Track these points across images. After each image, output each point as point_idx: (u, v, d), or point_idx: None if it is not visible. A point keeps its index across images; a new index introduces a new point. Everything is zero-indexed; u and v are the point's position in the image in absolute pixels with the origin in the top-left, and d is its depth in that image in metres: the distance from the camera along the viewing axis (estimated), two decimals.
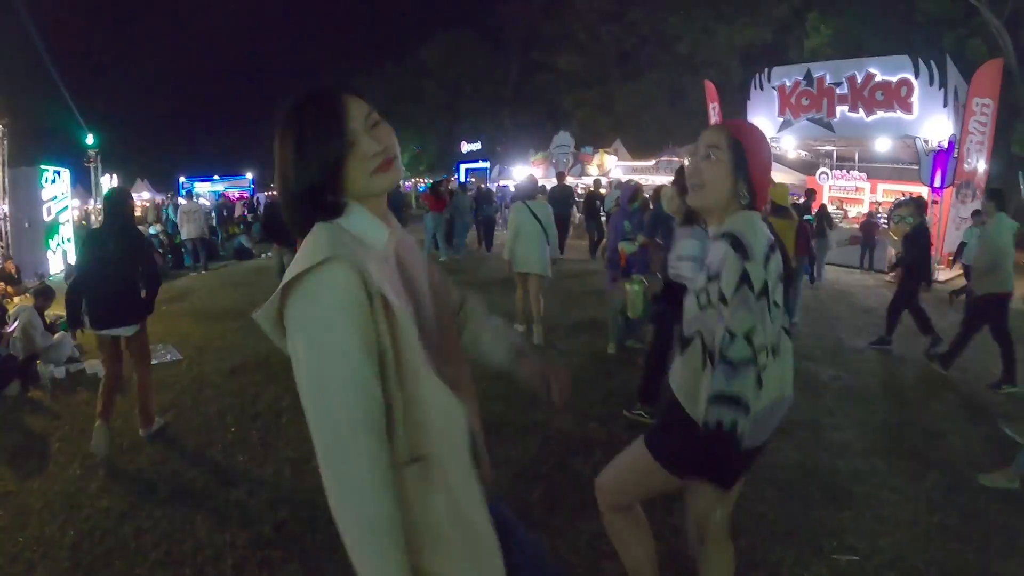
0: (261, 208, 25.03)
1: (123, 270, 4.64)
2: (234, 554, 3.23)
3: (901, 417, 5.28)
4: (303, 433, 4.27)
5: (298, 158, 1.31)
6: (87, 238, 5.27)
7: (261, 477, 4.09)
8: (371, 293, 1.23)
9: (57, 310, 8.13)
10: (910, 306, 7.54)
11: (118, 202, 4.87)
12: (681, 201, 4.35)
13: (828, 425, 4.99)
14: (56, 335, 7.05)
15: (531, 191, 7.87)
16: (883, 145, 15.14)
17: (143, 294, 4.75)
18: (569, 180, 23.85)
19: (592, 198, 16.72)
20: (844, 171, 17.96)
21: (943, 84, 13.61)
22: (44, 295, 7.56)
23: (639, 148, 26.47)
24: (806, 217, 11.21)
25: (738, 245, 1.90)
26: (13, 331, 6.61)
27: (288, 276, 1.23)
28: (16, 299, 9.37)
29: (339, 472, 1.21)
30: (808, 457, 4.39)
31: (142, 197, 33.23)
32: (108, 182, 18.91)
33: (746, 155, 1.99)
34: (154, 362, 6.54)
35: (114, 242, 4.62)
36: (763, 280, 1.86)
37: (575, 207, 18.79)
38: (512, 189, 22.73)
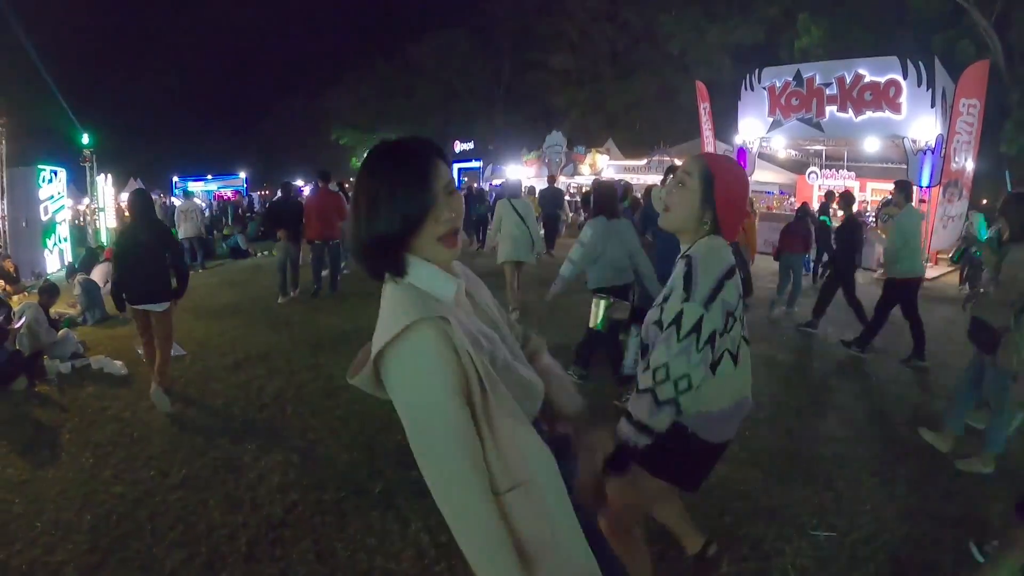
0: (255, 207, 25.17)
1: (154, 257, 5.50)
2: (247, 534, 3.40)
3: (883, 407, 5.48)
4: (308, 423, 4.51)
5: (380, 207, 1.41)
6: (122, 233, 6.30)
7: (270, 464, 4.25)
8: (456, 348, 1.36)
9: (60, 308, 8.28)
10: (848, 297, 8.07)
11: (144, 202, 5.77)
12: None
13: (811, 414, 5.20)
14: (60, 332, 7.19)
15: (515, 190, 8.92)
16: (872, 145, 15.37)
17: (174, 283, 5.58)
18: (562, 179, 24.04)
19: (588, 198, 16.73)
20: (833, 170, 18.18)
21: (931, 85, 13.83)
22: (49, 292, 7.70)
23: (631, 147, 26.70)
24: (821, 218, 11.47)
25: (688, 278, 2.07)
26: (20, 328, 6.74)
27: (379, 343, 1.37)
28: (15, 297, 9.47)
29: (454, 505, 1.39)
30: (791, 443, 4.58)
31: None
32: (103, 182, 18.94)
33: (714, 188, 2.15)
34: None
35: (145, 235, 5.53)
36: (695, 319, 2.03)
37: (565, 207, 19.00)
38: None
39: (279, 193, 10.74)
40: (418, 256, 1.46)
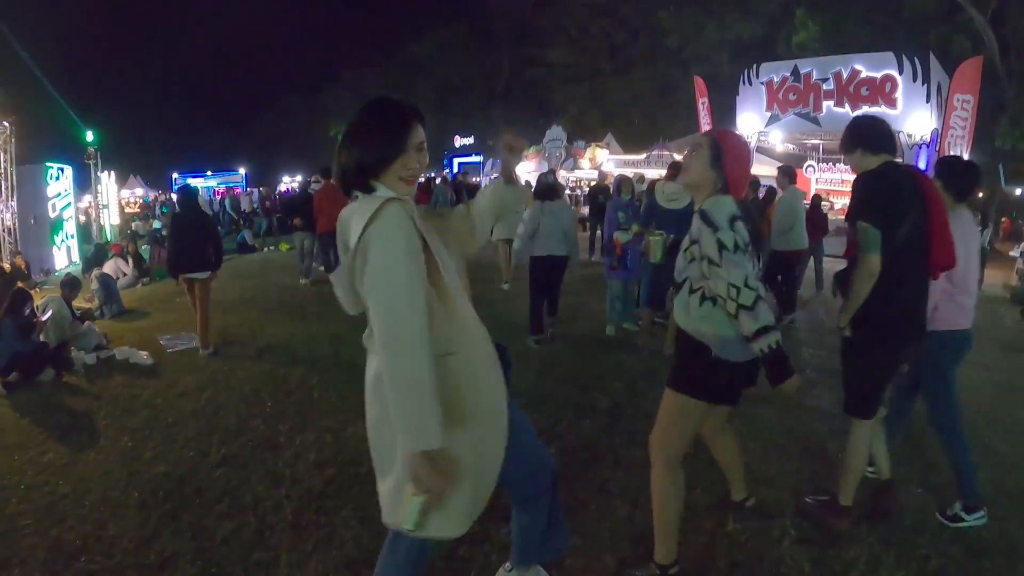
0: (256, 204, 25.32)
1: (197, 237, 7.08)
2: (291, 505, 3.65)
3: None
4: (337, 406, 4.78)
5: (364, 144, 1.98)
6: (173, 220, 7.71)
7: (304, 443, 4.49)
8: (415, 223, 1.87)
9: (77, 302, 8.50)
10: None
11: (189, 197, 7.72)
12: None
13: (807, 395, 5.46)
14: (84, 324, 7.43)
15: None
16: None
17: (212, 257, 7.11)
18: (562, 174, 24.23)
19: (596, 192, 15.70)
20: (830, 164, 18.43)
21: (926, 80, 14.11)
22: (71, 286, 7.94)
23: (630, 142, 26.89)
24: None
25: (707, 220, 2.59)
26: (46, 320, 6.97)
27: (359, 227, 1.83)
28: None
29: (398, 347, 1.77)
30: (788, 420, 4.87)
31: (135, 193, 33.44)
32: (107, 179, 19.15)
33: (722, 153, 2.67)
34: (181, 347, 7.01)
35: (190, 220, 7.23)
36: (733, 239, 2.52)
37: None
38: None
39: (280, 188, 11.30)
40: (384, 185, 1.98)
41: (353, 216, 1.90)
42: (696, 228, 2.64)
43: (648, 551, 2.93)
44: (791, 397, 2.59)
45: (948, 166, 3.72)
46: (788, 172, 8.47)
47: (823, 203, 12.35)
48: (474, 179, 22.97)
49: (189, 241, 7.07)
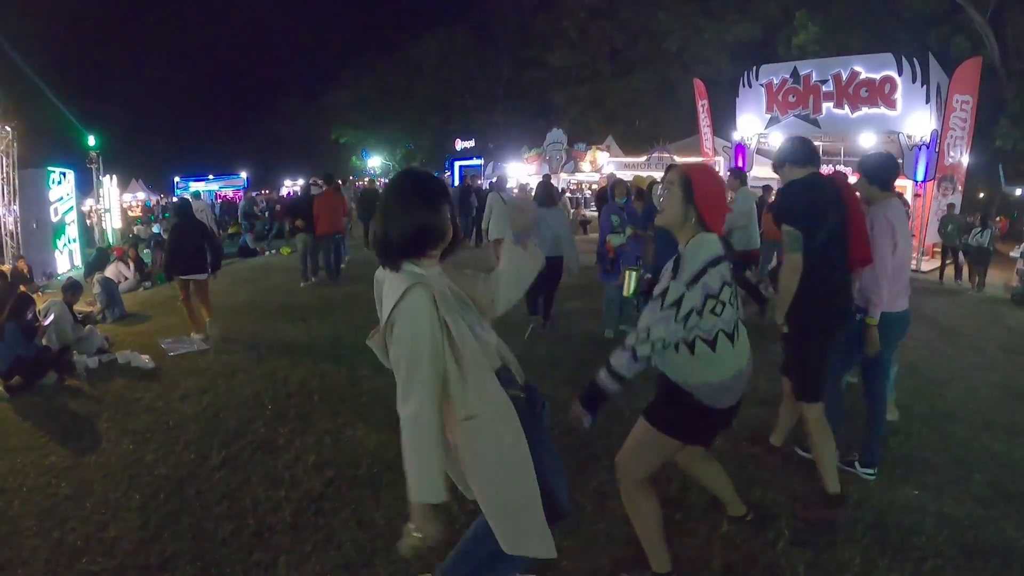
0: (261, 206, 25.36)
1: (194, 243, 7.85)
2: (290, 507, 3.68)
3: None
4: (336, 409, 4.81)
5: (402, 227, 2.11)
6: (171, 228, 8.38)
7: (304, 445, 4.53)
8: (436, 302, 2.03)
9: (79, 307, 8.55)
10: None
11: (185, 207, 8.53)
12: None
13: None
14: (86, 328, 7.47)
15: (502, 185, 11.79)
16: (868, 140, 15.60)
17: (209, 259, 7.90)
18: (563, 176, 24.27)
19: (604, 195, 16.19)
20: (831, 166, 18.41)
21: (925, 81, 14.10)
22: (72, 290, 7.98)
23: (631, 144, 26.97)
24: None
25: (677, 263, 2.57)
26: (48, 325, 7.01)
27: (388, 306, 2.04)
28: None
29: (413, 407, 2.00)
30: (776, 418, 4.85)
31: (137, 197, 33.53)
32: (109, 183, 19.20)
33: (693, 189, 2.61)
34: (183, 351, 7.03)
35: (185, 228, 7.98)
36: (678, 295, 2.49)
37: (565, 202, 19.29)
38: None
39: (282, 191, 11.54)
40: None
41: (385, 283, 2.15)
42: (668, 274, 2.59)
43: (643, 552, 2.96)
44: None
45: (867, 162, 4.13)
46: (739, 175, 8.93)
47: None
48: (478, 182, 22.92)
49: (185, 246, 7.86)
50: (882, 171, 3.99)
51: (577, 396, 2.80)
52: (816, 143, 13.66)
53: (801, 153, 3.67)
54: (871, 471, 4.03)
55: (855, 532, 3.39)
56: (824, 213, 3.44)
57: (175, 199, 7.97)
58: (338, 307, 9.11)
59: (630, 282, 3.55)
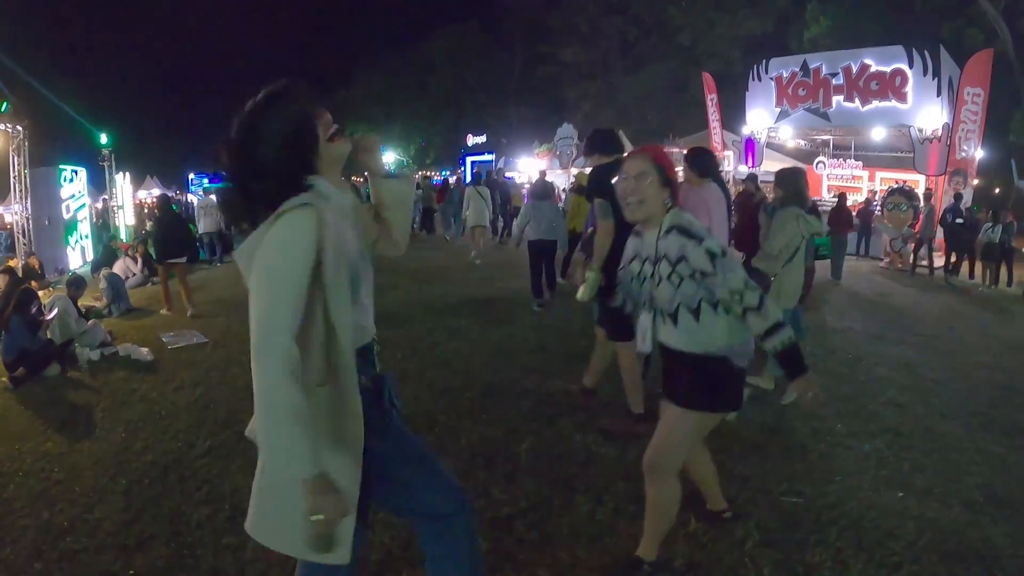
0: None
1: (175, 233, 9.73)
2: None
3: (867, 386, 5.69)
4: None
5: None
6: (157, 220, 10.52)
7: None
8: (323, 242, 1.73)
9: (86, 301, 8.70)
10: None
11: (166, 201, 10.67)
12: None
13: None
14: (89, 322, 7.59)
15: (477, 179, 15.28)
16: (878, 134, 15.54)
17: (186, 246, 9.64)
18: (573, 171, 24.19)
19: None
20: (841, 160, 18.32)
21: (937, 74, 13.98)
22: (75, 284, 8.12)
23: (642, 139, 26.76)
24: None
25: (688, 234, 2.56)
26: (52, 319, 7.14)
27: (276, 212, 1.73)
28: (41, 292, 9.91)
29: (265, 349, 1.64)
30: (772, 419, 4.84)
31: (152, 194, 33.83)
32: (122, 180, 19.42)
33: (668, 173, 2.67)
34: (182, 344, 7.15)
35: (168, 221, 9.90)
36: (719, 245, 2.55)
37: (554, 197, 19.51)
38: (516, 181, 23.79)
39: None
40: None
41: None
42: (677, 246, 2.57)
43: (605, 548, 3.01)
44: (810, 406, 2.59)
45: (689, 154, 5.20)
46: (700, 165, 8.89)
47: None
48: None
49: (169, 236, 9.52)
50: (700, 162, 5.02)
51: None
52: (826, 136, 13.83)
53: (608, 145, 4.85)
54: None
55: (829, 534, 3.32)
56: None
57: (158, 196, 9.07)
58: None
59: (591, 286, 3.43)
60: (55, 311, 7.28)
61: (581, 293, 4.02)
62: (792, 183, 5.33)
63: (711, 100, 19.57)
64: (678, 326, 2.66)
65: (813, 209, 5.48)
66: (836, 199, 13.11)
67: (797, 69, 16.21)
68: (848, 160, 18.10)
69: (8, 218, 16.98)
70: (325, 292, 1.78)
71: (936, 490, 3.82)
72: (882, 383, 5.82)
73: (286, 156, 1.82)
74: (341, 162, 2.00)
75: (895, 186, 15.27)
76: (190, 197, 29.03)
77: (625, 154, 3.86)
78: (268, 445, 1.74)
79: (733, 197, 8.93)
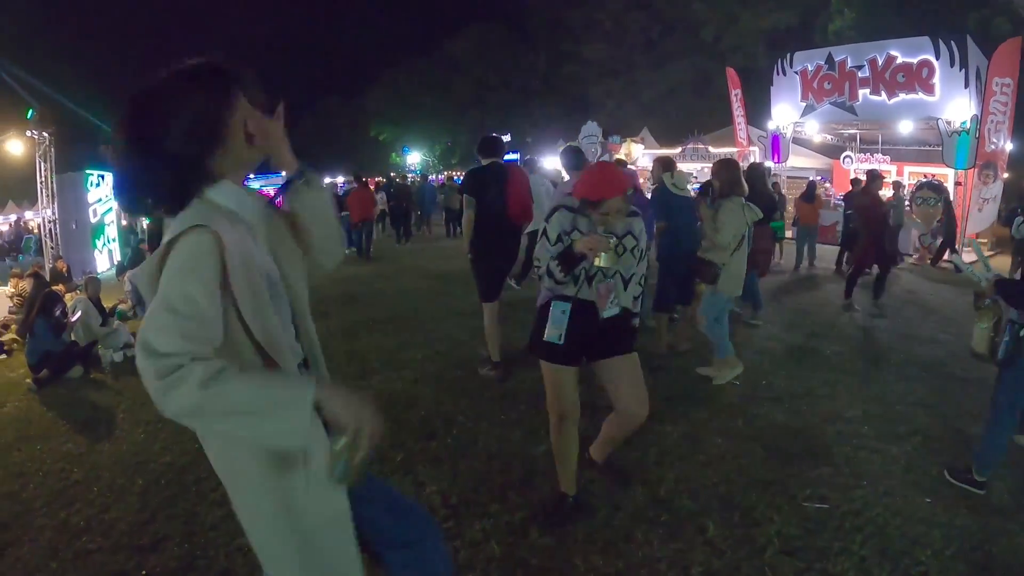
0: None
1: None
2: None
3: (895, 388, 5.51)
4: None
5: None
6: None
7: None
8: (225, 259, 1.49)
9: (109, 302, 8.79)
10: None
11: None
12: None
13: (822, 395, 5.30)
14: (114, 324, 7.66)
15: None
16: (906, 127, 15.22)
17: None
18: None
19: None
20: (868, 154, 17.99)
21: (964, 65, 13.64)
22: (91, 284, 8.21)
23: (666, 136, 26.56)
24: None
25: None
26: (75, 321, 7.23)
27: (168, 236, 1.49)
28: (67, 295, 10.03)
29: (177, 393, 1.38)
30: (797, 421, 4.74)
31: None
32: None
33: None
34: None
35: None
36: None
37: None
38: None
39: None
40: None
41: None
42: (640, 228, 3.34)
43: (620, 554, 3.00)
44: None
45: (562, 152, 6.51)
46: (668, 164, 8.53)
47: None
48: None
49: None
50: (565, 158, 6.31)
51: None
52: (852, 131, 13.56)
53: (487, 148, 5.76)
54: None
55: (853, 542, 3.22)
56: (487, 186, 5.56)
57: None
58: (358, 302, 9.19)
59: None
60: (78, 313, 7.37)
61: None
62: (728, 174, 5.50)
63: (735, 95, 19.32)
64: (627, 288, 3.31)
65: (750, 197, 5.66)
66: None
67: (822, 62, 15.90)
68: (875, 154, 17.77)
69: (36, 222, 17.26)
70: (246, 321, 1.55)
71: (965, 496, 3.69)
72: (911, 383, 5.65)
73: (175, 155, 1.55)
74: (254, 165, 1.76)
75: (923, 180, 14.94)
76: None
77: (499, 159, 5.80)
78: (256, 437, 1.50)
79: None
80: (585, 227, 3.17)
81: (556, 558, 3.12)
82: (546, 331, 3.22)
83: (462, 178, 6.49)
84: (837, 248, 12.77)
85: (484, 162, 5.73)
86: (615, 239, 3.11)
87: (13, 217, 23.58)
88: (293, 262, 1.82)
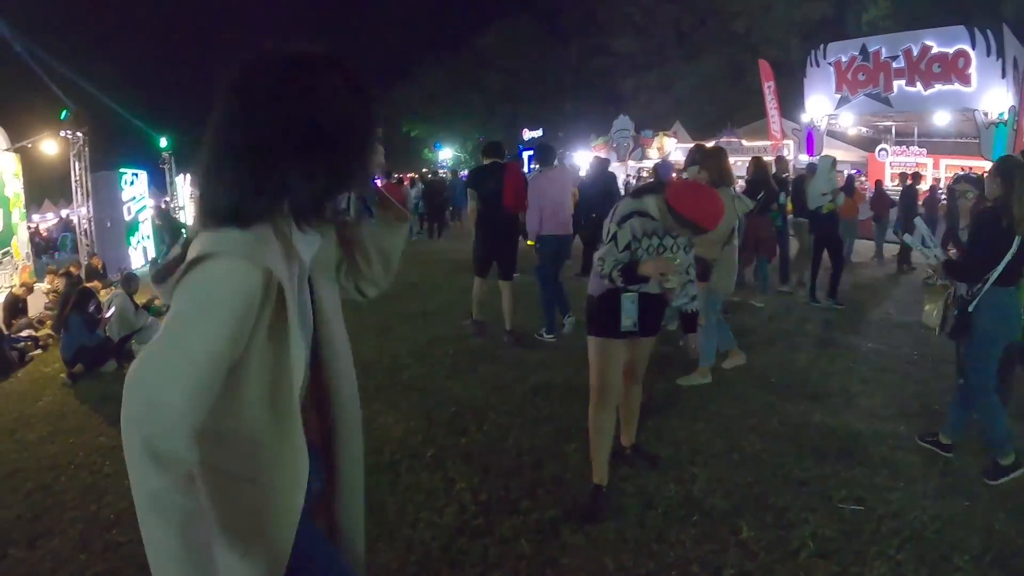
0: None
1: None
2: None
3: (934, 387, 5.35)
4: (372, 396, 5.11)
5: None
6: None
7: None
8: (261, 299, 1.23)
9: (141, 298, 8.90)
10: None
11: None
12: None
13: (859, 393, 5.19)
14: (148, 319, 7.75)
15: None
16: (942, 119, 14.91)
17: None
18: (630, 164, 23.85)
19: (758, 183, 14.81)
20: (904, 147, 17.63)
21: (1001, 54, 13.33)
22: (128, 281, 8.29)
23: (699, 129, 26.30)
24: None
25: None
26: (110, 316, 7.32)
27: (203, 248, 1.22)
28: (102, 292, 10.19)
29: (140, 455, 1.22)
30: (833, 420, 4.62)
31: None
32: (182, 182, 19.95)
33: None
34: None
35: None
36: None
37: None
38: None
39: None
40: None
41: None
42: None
43: (653, 555, 2.95)
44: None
45: (536, 147, 7.68)
46: (654, 176, 8.84)
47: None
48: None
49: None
50: (538, 153, 7.41)
51: None
52: (888, 123, 13.34)
53: (489, 151, 6.88)
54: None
55: (889, 545, 3.12)
56: (487, 181, 6.62)
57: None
58: (389, 297, 9.18)
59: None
60: (113, 309, 7.45)
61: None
62: (716, 164, 5.34)
63: (768, 88, 19.06)
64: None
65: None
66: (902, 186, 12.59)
67: (856, 53, 15.63)
68: (911, 147, 17.41)
69: (71, 220, 17.57)
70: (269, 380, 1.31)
71: (1005, 500, 3.56)
72: (949, 381, 5.44)
73: (309, 163, 1.29)
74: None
75: (961, 173, 14.61)
76: None
77: (500, 159, 6.89)
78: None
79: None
80: (651, 229, 3.29)
81: (586, 557, 3.08)
82: (622, 322, 3.36)
83: (467, 174, 6.87)
84: (872, 243, 12.52)
85: (486, 161, 6.87)
86: (682, 254, 3.32)
87: (50, 216, 24.10)
88: (331, 298, 1.57)
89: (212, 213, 1.29)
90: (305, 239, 1.40)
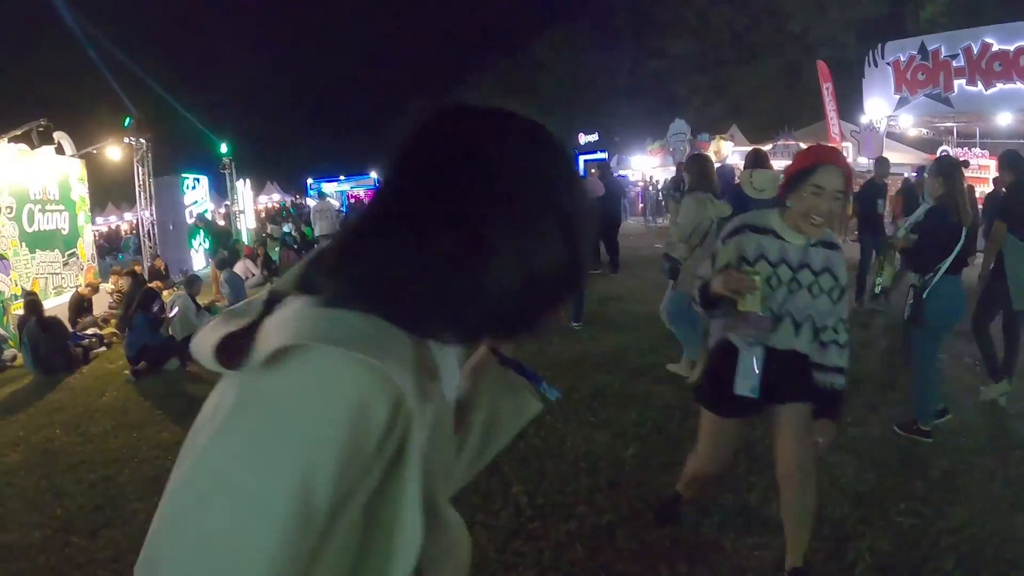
0: None
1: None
2: None
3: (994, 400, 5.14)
4: None
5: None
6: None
7: None
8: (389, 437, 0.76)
9: (202, 299, 9.19)
10: None
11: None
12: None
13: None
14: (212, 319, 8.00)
15: None
16: (1005, 119, 14.40)
17: None
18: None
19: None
20: (966, 149, 17.06)
21: None
22: (191, 283, 8.58)
23: (756, 132, 25.83)
24: None
25: (834, 247, 2.66)
26: (174, 316, 7.58)
27: (301, 332, 0.74)
28: (165, 292, 10.55)
29: None
30: (890, 432, 4.49)
31: (272, 199, 35.47)
32: (242, 187, 20.46)
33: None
34: None
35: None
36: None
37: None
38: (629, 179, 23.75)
39: None
40: None
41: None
42: (823, 257, 2.61)
43: (708, 564, 2.91)
44: (821, 450, 2.76)
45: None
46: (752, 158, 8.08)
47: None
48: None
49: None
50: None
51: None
52: (949, 124, 12.95)
53: None
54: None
55: (946, 561, 3.04)
56: None
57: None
58: None
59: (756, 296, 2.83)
60: (176, 309, 7.71)
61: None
62: (698, 168, 5.48)
63: (826, 89, 18.65)
64: (800, 332, 2.65)
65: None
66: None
67: (915, 52, 15.19)
68: (973, 149, 16.85)
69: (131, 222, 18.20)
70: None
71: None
72: (1013, 393, 5.32)
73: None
74: None
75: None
76: (308, 201, 30.21)
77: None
78: None
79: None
80: (774, 254, 2.59)
81: (641, 563, 3.08)
82: (736, 383, 2.63)
83: None
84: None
85: None
86: (770, 270, 2.58)
87: (113, 219, 24.97)
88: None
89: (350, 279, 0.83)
90: (447, 359, 0.96)
